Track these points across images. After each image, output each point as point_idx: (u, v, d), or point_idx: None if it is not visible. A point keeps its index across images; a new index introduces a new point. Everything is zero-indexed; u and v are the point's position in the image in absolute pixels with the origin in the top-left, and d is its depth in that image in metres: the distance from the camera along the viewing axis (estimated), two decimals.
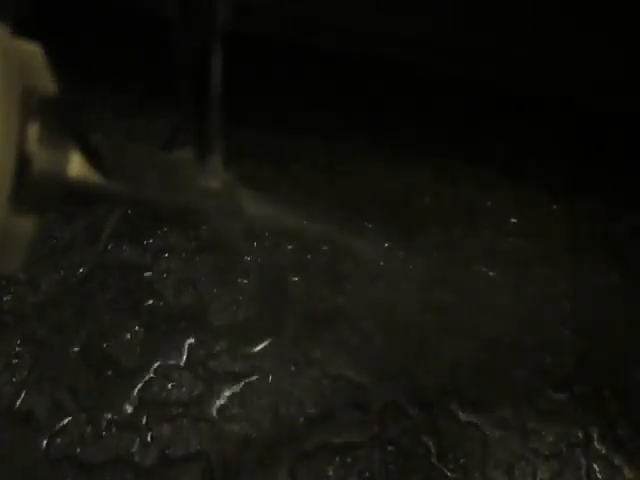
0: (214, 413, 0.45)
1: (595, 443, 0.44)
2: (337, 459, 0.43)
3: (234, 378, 0.46)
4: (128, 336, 0.48)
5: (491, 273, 0.53)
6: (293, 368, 0.47)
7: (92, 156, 0.17)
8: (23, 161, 0.15)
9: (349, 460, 0.43)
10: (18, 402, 0.45)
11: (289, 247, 0.53)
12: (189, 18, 0.18)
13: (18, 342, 0.47)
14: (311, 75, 0.66)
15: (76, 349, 0.47)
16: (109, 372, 0.46)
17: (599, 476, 0.43)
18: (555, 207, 0.58)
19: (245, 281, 0.51)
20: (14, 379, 0.46)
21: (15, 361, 0.47)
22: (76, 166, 0.17)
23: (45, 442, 0.44)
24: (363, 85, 0.66)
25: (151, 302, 0.49)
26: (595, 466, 0.43)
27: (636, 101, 0.58)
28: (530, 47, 0.59)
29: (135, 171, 0.20)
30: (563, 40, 0.57)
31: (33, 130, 0.16)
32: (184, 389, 0.46)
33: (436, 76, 0.64)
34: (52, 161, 0.16)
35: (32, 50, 0.17)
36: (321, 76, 0.66)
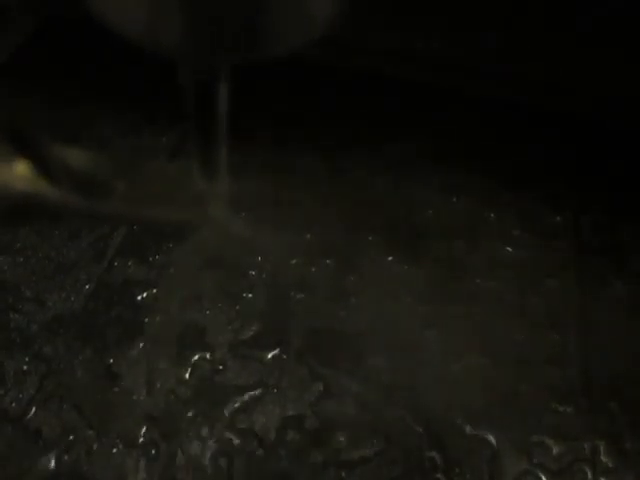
0: (220, 428, 0.45)
1: (602, 457, 0.44)
2: (343, 474, 0.43)
3: (239, 393, 0.47)
4: (134, 353, 0.48)
5: (494, 286, 0.53)
6: (298, 383, 0.47)
7: (44, 170, 0.16)
8: None
9: (354, 476, 0.43)
10: (26, 420, 0.45)
11: (293, 262, 0.54)
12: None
13: (26, 360, 0.48)
14: (310, 90, 0.67)
15: (82, 366, 0.47)
16: (115, 389, 0.47)
17: None
18: (559, 219, 0.58)
19: (250, 295, 0.51)
20: (21, 396, 0.46)
21: (23, 379, 0.47)
22: (23, 179, 0.16)
23: (53, 460, 0.44)
24: (363, 99, 0.67)
25: (157, 318, 0.50)
26: None
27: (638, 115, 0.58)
28: (529, 60, 0.60)
29: (101, 183, 0.19)
30: (564, 54, 0.58)
31: None
32: (190, 405, 0.46)
33: (436, 91, 0.65)
34: None
35: None
36: (321, 91, 0.67)
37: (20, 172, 0.16)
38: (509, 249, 0.55)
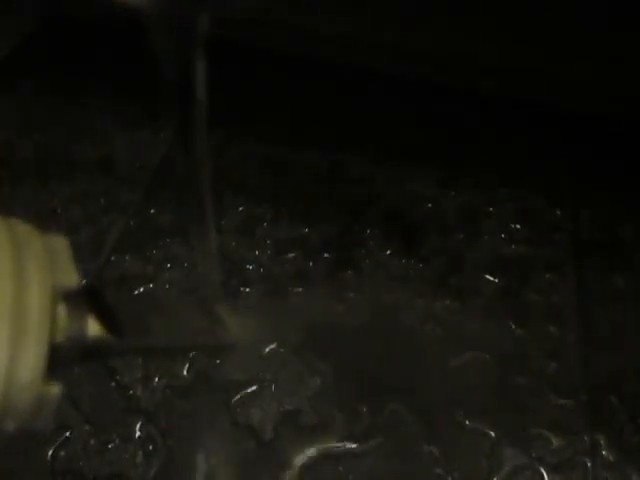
0: (218, 423, 0.45)
1: (602, 451, 0.44)
2: (340, 468, 0.43)
3: (237, 388, 0.46)
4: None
5: (494, 280, 0.53)
6: (295, 378, 0.47)
7: (107, 321, 0.21)
8: (52, 342, 0.18)
9: (352, 470, 0.43)
10: None
11: (290, 255, 0.53)
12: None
13: None
14: (309, 85, 0.67)
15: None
16: (112, 384, 0.46)
17: None
18: (558, 212, 0.57)
19: (247, 290, 0.51)
20: None
21: None
22: (93, 328, 0.21)
23: (50, 455, 0.44)
24: (362, 95, 0.66)
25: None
26: (603, 474, 0.43)
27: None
28: (529, 56, 0.60)
29: (142, 323, 0.25)
30: (565, 49, 0.58)
31: (61, 314, 0.19)
32: (187, 400, 0.46)
33: (436, 86, 0.64)
34: (73, 330, 0.20)
35: (59, 244, 0.20)
36: (319, 87, 0.67)
37: (90, 325, 0.21)
38: (508, 243, 0.55)
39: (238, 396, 0.46)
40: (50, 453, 0.44)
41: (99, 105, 0.66)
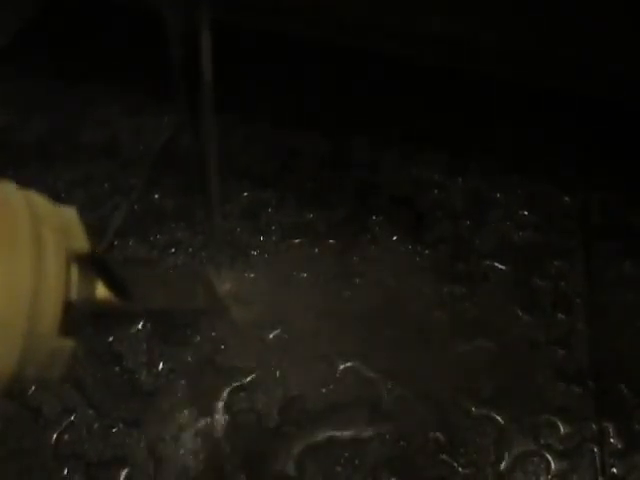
0: (221, 408, 0.45)
1: (610, 438, 0.43)
2: (346, 454, 0.42)
3: (241, 373, 0.46)
4: (134, 332, 0.48)
5: (502, 267, 0.52)
6: (301, 363, 0.46)
7: (114, 285, 0.23)
8: (67, 299, 0.21)
9: (357, 456, 0.42)
10: (26, 398, 0.45)
11: (296, 241, 0.53)
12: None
13: None
14: (311, 72, 0.66)
15: (83, 345, 0.47)
16: (116, 368, 0.46)
17: (614, 471, 0.42)
18: (567, 199, 0.57)
19: (252, 275, 0.51)
20: None
21: None
22: (101, 292, 0.23)
23: (53, 438, 0.44)
24: (366, 81, 0.66)
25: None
26: (610, 461, 0.42)
27: None
28: (544, 41, 0.59)
29: (145, 290, 0.27)
30: (570, 32, 0.57)
31: (74, 275, 0.21)
32: (191, 384, 0.46)
33: (445, 72, 0.64)
34: (84, 292, 0.22)
35: (70, 215, 0.23)
36: (323, 73, 0.66)
37: (99, 289, 0.23)
38: (516, 230, 0.54)
39: (242, 381, 0.46)
40: (55, 436, 0.43)
41: (102, 90, 0.65)
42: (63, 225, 0.22)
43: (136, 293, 0.24)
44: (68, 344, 0.21)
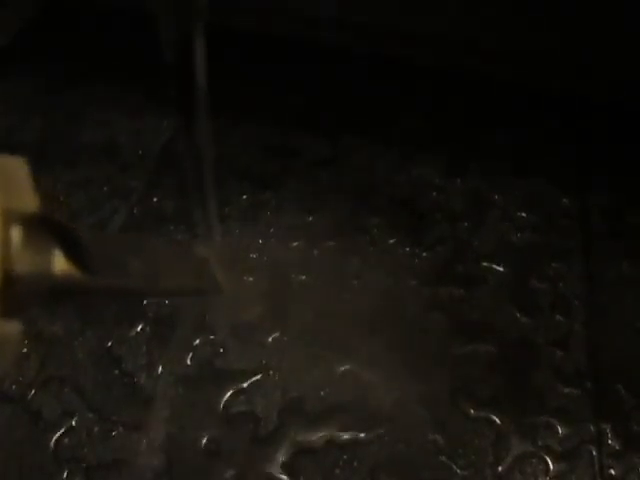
0: (221, 411, 0.45)
1: (608, 440, 0.43)
2: (345, 456, 0.43)
3: (240, 376, 0.46)
4: (133, 335, 0.48)
5: (500, 269, 0.52)
6: (299, 366, 0.46)
7: (76, 256, 0.18)
8: (7, 272, 0.16)
9: (356, 458, 0.42)
10: (26, 401, 0.45)
11: (294, 244, 0.53)
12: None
13: (26, 342, 0.47)
14: (311, 73, 0.66)
15: (82, 348, 0.47)
16: (115, 371, 0.46)
17: (612, 472, 0.42)
18: (565, 201, 0.56)
19: (251, 278, 0.51)
20: (21, 379, 0.46)
21: (23, 361, 0.47)
22: (60, 264, 0.18)
23: (53, 441, 0.44)
24: (365, 82, 0.66)
25: (156, 301, 0.49)
26: (608, 462, 0.42)
27: None
28: (544, 41, 0.58)
29: (118, 262, 0.21)
30: (570, 32, 0.57)
31: (16, 240, 0.17)
32: (191, 388, 0.46)
33: (447, 72, 0.63)
34: (36, 263, 0.17)
35: (15, 166, 0.18)
36: (323, 74, 0.66)
37: (57, 260, 0.18)
38: (515, 231, 0.54)
39: (242, 385, 0.46)
40: (54, 440, 0.44)
41: (102, 90, 0.65)
42: (2, 178, 0.17)
43: (106, 266, 0.19)
44: (11, 329, 0.17)
